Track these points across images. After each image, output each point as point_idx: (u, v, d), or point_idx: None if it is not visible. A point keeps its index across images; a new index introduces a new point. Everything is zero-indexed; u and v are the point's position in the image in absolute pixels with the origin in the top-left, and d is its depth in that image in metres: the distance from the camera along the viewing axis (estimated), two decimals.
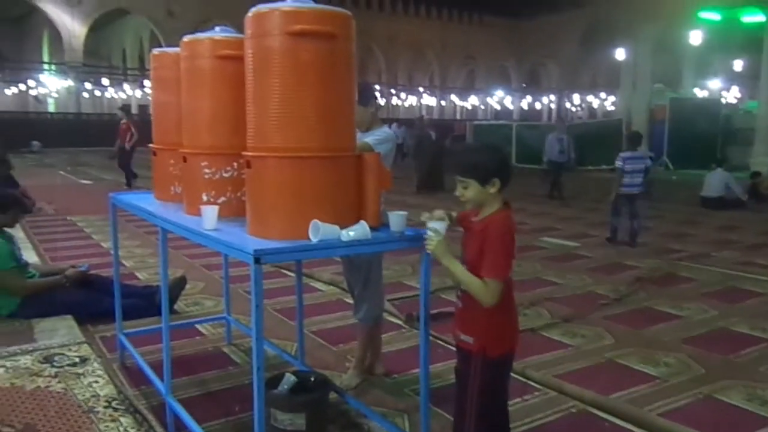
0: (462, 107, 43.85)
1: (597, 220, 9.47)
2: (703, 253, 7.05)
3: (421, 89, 41.61)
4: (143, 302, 4.32)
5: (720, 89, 29.88)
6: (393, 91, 39.81)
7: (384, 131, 3.11)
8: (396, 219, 2.28)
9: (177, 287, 4.58)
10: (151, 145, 3.14)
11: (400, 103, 40.96)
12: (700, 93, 27.53)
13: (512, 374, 2.24)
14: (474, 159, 2.09)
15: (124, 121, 12.89)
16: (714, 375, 3.52)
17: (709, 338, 4.18)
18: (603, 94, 39.23)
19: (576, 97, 41.11)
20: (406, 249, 2.32)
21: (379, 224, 2.33)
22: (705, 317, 4.65)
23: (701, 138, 17.80)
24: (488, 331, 2.04)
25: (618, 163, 7.37)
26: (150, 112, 3.34)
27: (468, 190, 2.05)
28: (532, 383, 3.33)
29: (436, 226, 2.08)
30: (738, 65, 28.92)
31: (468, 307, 2.06)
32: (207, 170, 2.59)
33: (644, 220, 7.82)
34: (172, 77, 2.85)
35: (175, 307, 4.56)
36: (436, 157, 13.19)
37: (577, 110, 42.38)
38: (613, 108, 36.21)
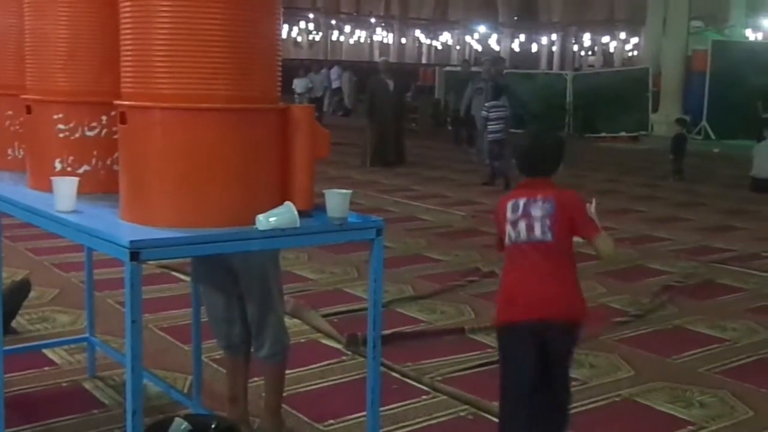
0: (430, 47, 44.06)
1: (609, 207, 9.67)
2: (754, 253, 7.26)
3: (372, 20, 41.58)
4: None
5: None
6: (333, 22, 39.63)
7: None
8: (336, 200, 2.27)
9: (16, 296, 4.49)
10: None
11: (343, 39, 40.84)
12: (752, 35, 28.22)
13: None
14: None
15: None
16: (767, 418, 3.63)
17: (760, 368, 4.32)
18: (623, 34, 39.99)
19: (586, 38, 41.77)
20: (350, 243, 2.31)
21: (312, 207, 2.32)
22: (755, 340, 4.80)
23: (753, 97, 18.05)
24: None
25: (483, 113, 11.25)
26: None
27: None
28: None
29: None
30: None
31: None
32: (62, 126, 2.56)
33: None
34: None
35: (13, 324, 4.46)
36: (395, 115, 12.93)
37: (588, 55, 43.07)
38: (635, 53, 36.98)
